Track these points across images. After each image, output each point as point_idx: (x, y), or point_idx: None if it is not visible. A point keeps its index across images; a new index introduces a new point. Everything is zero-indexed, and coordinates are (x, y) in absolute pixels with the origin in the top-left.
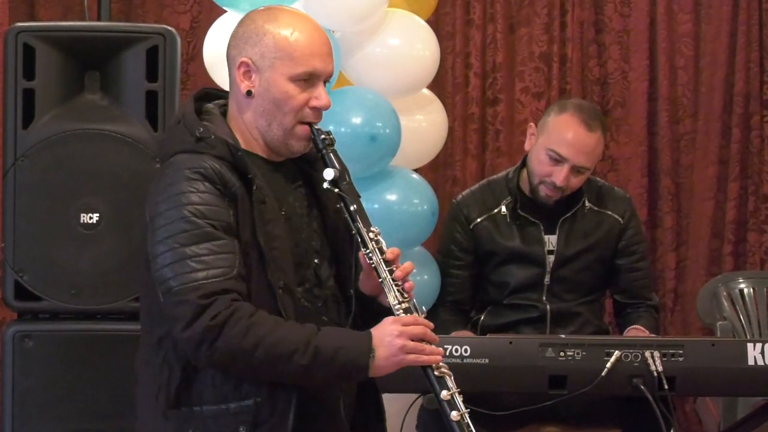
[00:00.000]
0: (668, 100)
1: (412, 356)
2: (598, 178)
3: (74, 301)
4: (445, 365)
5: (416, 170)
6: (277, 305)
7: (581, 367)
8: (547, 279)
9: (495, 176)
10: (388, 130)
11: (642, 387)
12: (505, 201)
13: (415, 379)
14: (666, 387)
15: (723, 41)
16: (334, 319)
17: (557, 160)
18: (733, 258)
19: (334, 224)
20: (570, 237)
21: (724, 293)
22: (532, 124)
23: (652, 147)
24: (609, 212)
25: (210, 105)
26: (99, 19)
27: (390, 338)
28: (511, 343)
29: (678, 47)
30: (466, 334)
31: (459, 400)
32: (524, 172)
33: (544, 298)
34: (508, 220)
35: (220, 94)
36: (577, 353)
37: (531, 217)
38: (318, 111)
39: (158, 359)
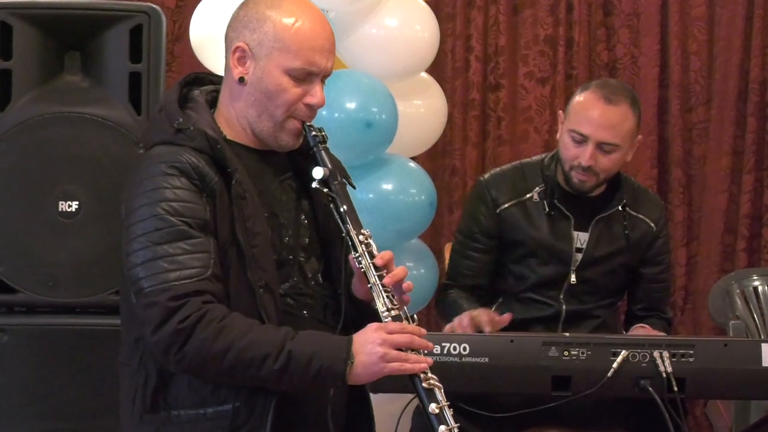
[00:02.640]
0: (680, 87)
1: (394, 365)
2: (631, 178)
3: (51, 294)
4: (435, 377)
5: (413, 158)
6: (257, 306)
7: (586, 367)
8: (572, 278)
9: (528, 159)
10: (384, 116)
11: (650, 389)
12: (538, 188)
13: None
14: (675, 389)
15: (738, 25)
16: (320, 318)
17: (581, 140)
18: (747, 254)
19: (326, 218)
20: (602, 238)
21: (738, 291)
22: (560, 111)
23: (663, 136)
24: (643, 217)
25: (196, 92)
26: None
27: (371, 346)
28: (512, 341)
29: (691, 31)
30: (485, 311)
31: (449, 414)
32: (559, 163)
33: (561, 296)
34: (541, 208)
35: (212, 79)
36: (582, 353)
37: (565, 209)
38: (311, 109)
39: (135, 361)
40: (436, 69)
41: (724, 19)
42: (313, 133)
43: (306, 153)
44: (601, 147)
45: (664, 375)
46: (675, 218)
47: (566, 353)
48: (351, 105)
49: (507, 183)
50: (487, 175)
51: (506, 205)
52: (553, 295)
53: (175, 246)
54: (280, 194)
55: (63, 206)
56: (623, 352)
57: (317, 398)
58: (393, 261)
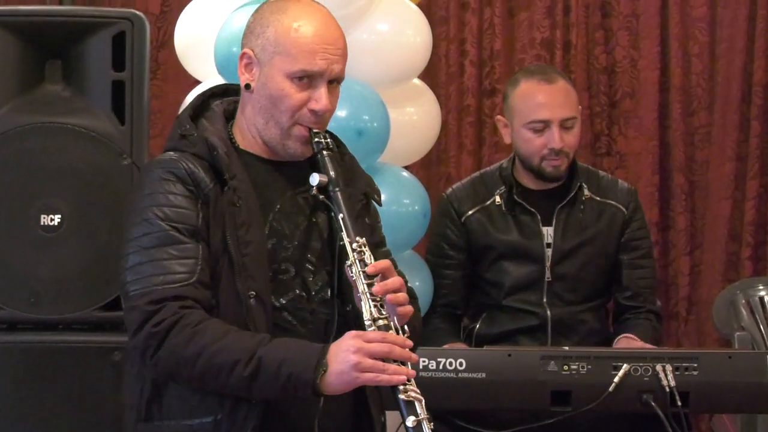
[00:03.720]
0: (681, 90)
1: (368, 375)
2: (600, 171)
3: (33, 310)
4: (416, 389)
5: (407, 167)
6: (245, 316)
7: (586, 381)
8: (547, 275)
9: (487, 169)
10: (375, 124)
11: (653, 403)
12: (498, 191)
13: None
14: (679, 403)
15: (741, 26)
16: (320, 335)
17: (542, 127)
18: (752, 263)
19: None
20: (568, 228)
21: (743, 301)
22: (499, 117)
23: (664, 141)
24: (611, 202)
25: (216, 102)
26: (61, 3)
27: (345, 354)
28: (510, 355)
29: (692, 33)
30: (459, 346)
31: (427, 428)
32: (518, 164)
33: (544, 300)
34: (503, 209)
35: (236, 90)
36: (582, 367)
37: (527, 204)
38: (316, 114)
39: (134, 370)
40: (429, 74)
41: (726, 20)
42: (317, 139)
43: (321, 168)
44: (563, 125)
45: (668, 389)
46: (677, 226)
47: (566, 367)
48: (341, 113)
49: (469, 193)
50: (448, 191)
51: (470, 213)
52: (535, 300)
53: (162, 251)
54: (289, 206)
55: (45, 220)
56: (625, 366)
57: (305, 411)
58: (391, 271)
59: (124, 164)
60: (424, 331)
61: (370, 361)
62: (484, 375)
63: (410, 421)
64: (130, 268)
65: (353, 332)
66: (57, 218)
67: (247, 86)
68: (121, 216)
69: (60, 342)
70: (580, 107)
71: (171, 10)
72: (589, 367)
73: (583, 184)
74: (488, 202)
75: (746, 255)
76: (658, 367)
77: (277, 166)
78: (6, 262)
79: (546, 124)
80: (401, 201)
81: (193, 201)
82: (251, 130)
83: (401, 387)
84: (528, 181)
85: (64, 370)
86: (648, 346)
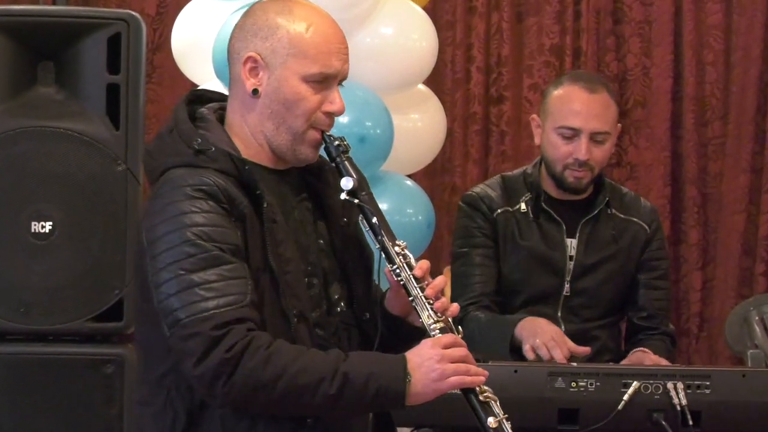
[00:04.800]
0: (695, 99)
1: (454, 379)
2: (622, 186)
3: (23, 321)
4: (489, 389)
5: (410, 176)
6: (292, 336)
7: (595, 399)
8: (566, 289)
9: (508, 173)
10: (378, 131)
11: (663, 422)
12: (524, 197)
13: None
14: (690, 423)
15: (757, 33)
16: (345, 349)
17: (571, 135)
18: (766, 278)
19: (343, 241)
20: (590, 243)
21: (756, 318)
22: (534, 116)
23: (677, 152)
24: (635, 219)
25: (204, 110)
26: (54, 3)
27: (429, 362)
28: (516, 371)
29: (706, 40)
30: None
31: (508, 427)
32: (543, 170)
33: (559, 314)
34: (529, 217)
35: (212, 96)
36: (591, 384)
37: (554, 213)
38: (331, 117)
39: (159, 400)
40: (434, 80)
41: (742, 27)
42: (336, 143)
43: (318, 172)
44: (594, 138)
45: (679, 408)
46: (689, 240)
47: (574, 384)
48: (343, 119)
49: (498, 193)
50: (477, 188)
51: (500, 211)
52: (550, 313)
53: (210, 273)
54: (299, 216)
55: (36, 227)
56: (635, 383)
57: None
58: (429, 271)
59: (118, 170)
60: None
61: (452, 367)
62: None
63: (492, 422)
64: (176, 294)
65: (429, 341)
66: (49, 225)
67: (255, 91)
68: (115, 223)
69: (50, 353)
70: (619, 125)
71: (167, 11)
72: (598, 384)
73: (609, 200)
74: (515, 208)
75: (760, 270)
76: (669, 385)
77: (281, 176)
78: None
79: (576, 133)
80: (404, 211)
81: (228, 218)
82: (257, 138)
83: (477, 389)
84: (552, 190)
85: (54, 383)
86: (663, 361)
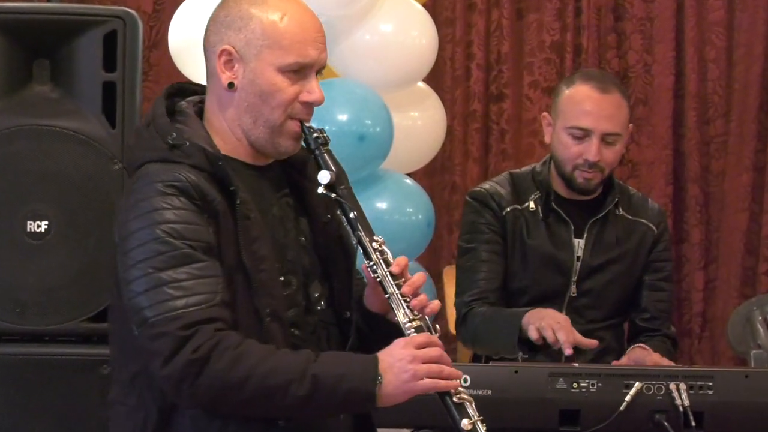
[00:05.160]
0: (697, 97)
1: (427, 382)
2: (629, 186)
3: (19, 321)
4: (465, 390)
5: (410, 175)
6: (264, 336)
7: (596, 400)
8: (572, 290)
9: (516, 170)
10: (378, 129)
11: (666, 423)
12: (533, 196)
13: (411, 410)
14: (693, 424)
15: (759, 30)
16: (324, 349)
17: (582, 135)
18: None
19: (325, 238)
20: (598, 244)
21: (759, 318)
22: (545, 113)
23: (679, 151)
24: (642, 220)
25: (183, 103)
26: (50, 1)
27: (401, 363)
28: (516, 372)
29: (708, 37)
30: (547, 313)
31: (482, 429)
32: (553, 169)
33: (563, 314)
34: (538, 216)
35: (196, 89)
36: (592, 384)
37: (563, 213)
38: (309, 106)
39: (132, 400)
40: (434, 78)
41: (744, 24)
42: (315, 134)
43: (300, 167)
44: (605, 139)
45: (681, 409)
46: (692, 239)
47: (575, 385)
48: (342, 117)
49: (507, 191)
50: (486, 185)
51: (509, 209)
52: None
53: (180, 271)
54: (278, 212)
55: (31, 226)
56: (637, 384)
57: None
58: (408, 268)
59: (114, 169)
60: (469, 331)
61: (425, 367)
62: (489, 392)
63: (466, 423)
64: (145, 292)
65: (402, 340)
66: (44, 225)
67: (230, 85)
68: (111, 223)
69: (46, 354)
70: (631, 126)
71: (164, 8)
72: (600, 384)
73: (618, 201)
74: (523, 206)
75: (763, 270)
76: (672, 386)
77: (260, 172)
78: None
79: (587, 133)
80: (404, 210)
81: (200, 215)
82: (235, 132)
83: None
84: (561, 189)
85: (50, 384)
86: (665, 360)
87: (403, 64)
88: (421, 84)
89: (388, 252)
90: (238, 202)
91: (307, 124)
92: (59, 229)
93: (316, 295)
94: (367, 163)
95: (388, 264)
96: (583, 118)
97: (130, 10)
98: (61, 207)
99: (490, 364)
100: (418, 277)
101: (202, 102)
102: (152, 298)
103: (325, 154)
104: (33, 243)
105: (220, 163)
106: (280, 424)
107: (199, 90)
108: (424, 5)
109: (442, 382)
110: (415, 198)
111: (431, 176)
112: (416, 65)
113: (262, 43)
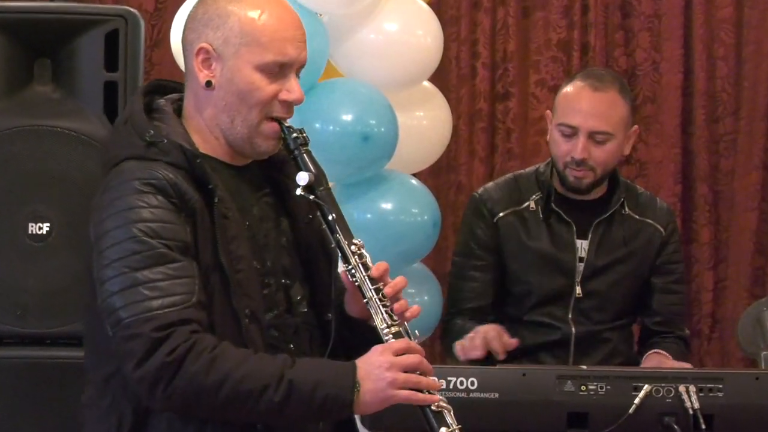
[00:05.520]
0: (705, 95)
1: (404, 393)
2: (637, 185)
3: (20, 324)
4: (444, 398)
5: (415, 175)
6: (242, 337)
7: (605, 403)
8: (577, 291)
9: (522, 171)
10: (383, 129)
11: (675, 426)
12: (534, 196)
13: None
14: (703, 427)
15: None
16: (306, 351)
17: (570, 133)
18: None
19: (306, 238)
20: (603, 244)
21: None
22: (548, 112)
23: (687, 149)
24: (650, 221)
25: (161, 101)
26: (51, 0)
27: (378, 371)
28: (524, 375)
29: (717, 34)
30: (495, 329)
31: None
32: (555, 169)
33: (569, 315)
34: (539, 216)
35: (175, 87)
36: (601, 387)
37: (564, 214)
38: (289, 106)
39: (105, 401)
40: (439, 77)
41: (753, 21)
42: (294, 135)
43: (281, 166)
44: (593, 137)
45: (691, 411)
46: (701, 239)
47: (583, 388)
48: (347, 117)
49: (503, 194)
50: (480, 190)
51: (502, 214)
52: (560, 315)
53: (155, 271)
54: (257, 213)
55: (33, 228)
56: (646, 387)
57: None
58: (388, 273)
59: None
60: (449, 338)
61: (403, 376)
62: (497, 395)
63: None
64: (119, 292)
65: (380, 347)
66: (46, 227)
67: (208, 83)
68: None
69: (47, 357)
70: (636, 127)
71: (166, 7)
72: (608, 387)
73: (624, 201)
74: (522, 207)
75: None
76: (681, 388)
77: (239, 171)
78: None
79: (574, 131)
80: (409, 210)
81: (177, 214)
82: (214, 131)
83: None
84: (563, 189)
85: (50, 387)
86: (685, 365)
87: (408, 63)
88: (426, 83)
89: (367, 255)
90: (216, 200)
91: (286, 124)
92: (61, 231)
93: (299, 297)
94: (372, 163)
95: (366, 268)
96: (571, 116)
97: (131, 9)
98: (63, 209)
99: (497, 366)
100: (399, 280)
101: (181, 100)
102: (127, 299)
103: (305, 155)
104: (34, 245)
105: (198, 161)
106: (258, 428)
107: (178, 88)
108: (429, 4)
109: (420, 395)
110: (420, 198)
111: (437, 176)
112: (421, 64)
113: (240, 41)
